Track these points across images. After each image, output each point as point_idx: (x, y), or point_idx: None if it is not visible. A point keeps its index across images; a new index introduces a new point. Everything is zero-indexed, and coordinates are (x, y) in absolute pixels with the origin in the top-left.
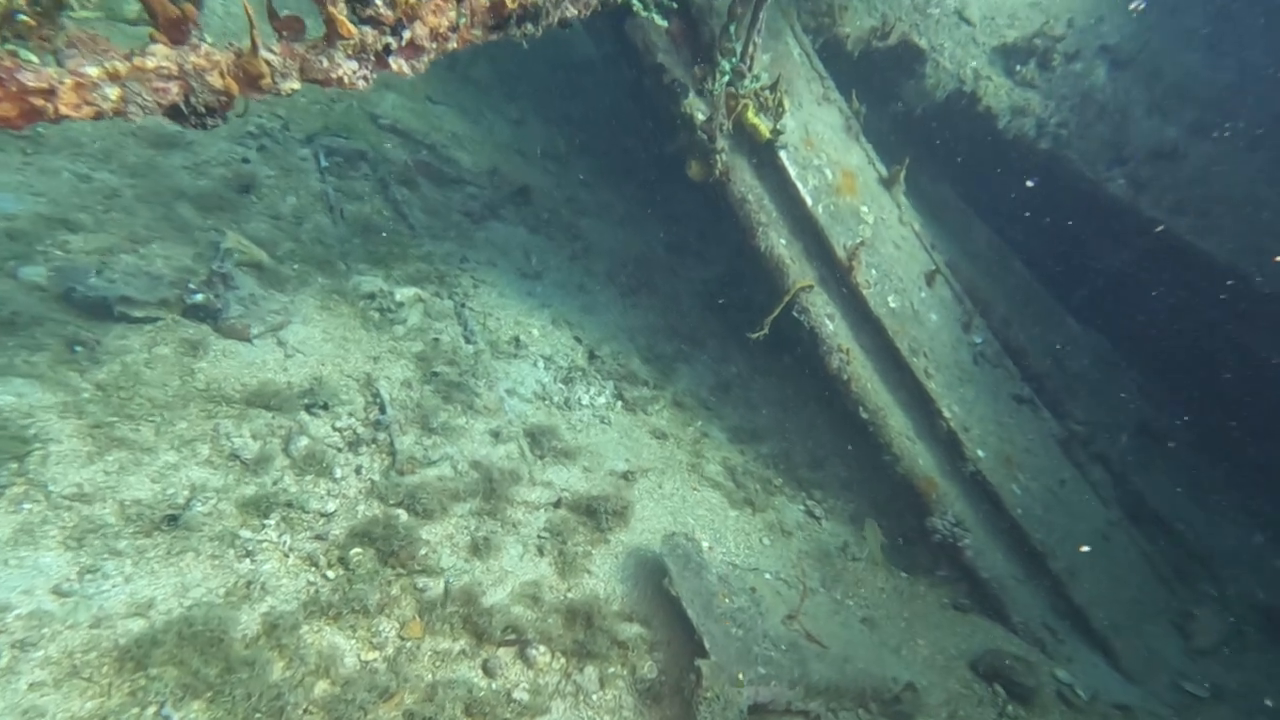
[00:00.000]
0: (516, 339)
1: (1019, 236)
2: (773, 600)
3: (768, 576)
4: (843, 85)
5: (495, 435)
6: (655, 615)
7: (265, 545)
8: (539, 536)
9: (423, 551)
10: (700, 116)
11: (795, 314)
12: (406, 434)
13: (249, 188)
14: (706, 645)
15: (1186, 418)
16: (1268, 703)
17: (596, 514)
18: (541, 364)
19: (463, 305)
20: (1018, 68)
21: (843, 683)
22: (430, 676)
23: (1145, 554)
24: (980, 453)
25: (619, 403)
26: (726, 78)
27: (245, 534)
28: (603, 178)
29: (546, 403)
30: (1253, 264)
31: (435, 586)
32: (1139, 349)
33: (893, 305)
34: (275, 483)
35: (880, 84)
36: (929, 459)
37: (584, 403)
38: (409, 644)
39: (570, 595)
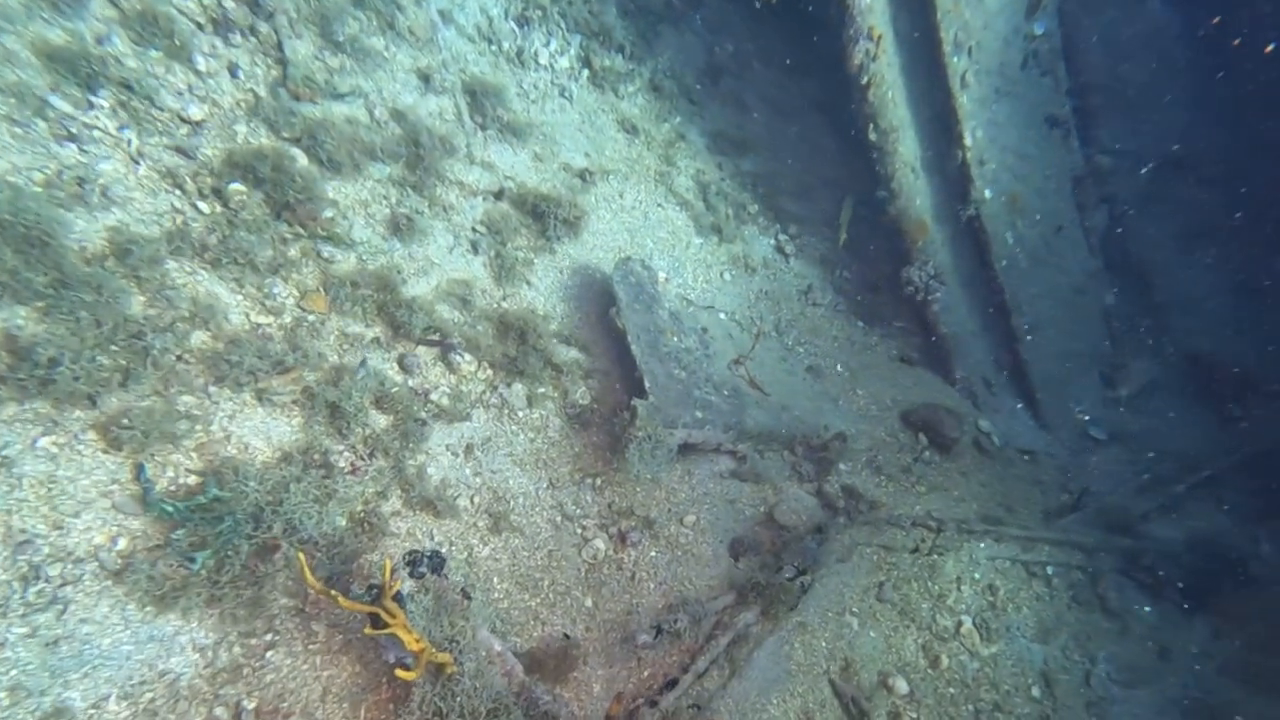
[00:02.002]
0: None
1: None
2: (723, 343)
3: (722, 316)
4: None
5: (425, 80)
6: (596, 342)
7: (99, 135)
8: (474, 230)
9: (329, 214)
10: None
11: None
12: (300, 38)
13: None
14: (647, 385)
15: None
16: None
17: (544, 217)
18: None
19: None
20: None
21: (775, 428)
22: (336, 359)
23: (1105, 308)
24: (988, 193)
25: (585, 71)
26: None
27: (60, 103)
28: None
29: (494, 48)
30: None
31: (345, 260)
32: (1227, 46)
33: None
34: (99, 39)
35: None
36: (927, 198)
37: (541, 60)
38: (312, 318)
39: (505, 305)
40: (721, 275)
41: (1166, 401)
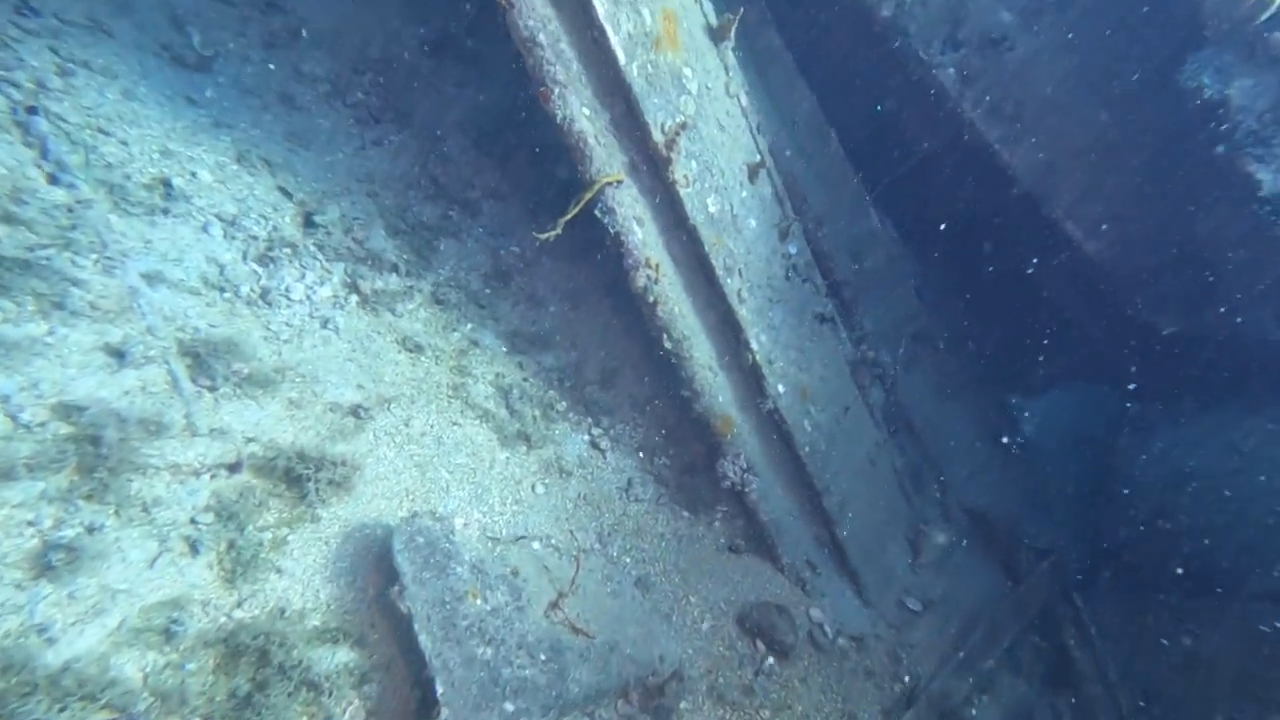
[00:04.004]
0: (166, 182)
1: (839, 105)
2: (538, 582)
3: (536, 546)
4: None
5: (118, 355)
6: (377, 625)
7: None
8: (193, 523)
9: None
10: None
11: (598, 213)
12: None
13: None
14: (439, 690)
15: (963, 322)
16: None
17: (300, 480)
18: (218, 229)
19: (32, 108)
20: None
21: (605, 682)
22: None
23: (897, 472)
24: (780, 388)
25: (353, 297)
26: None
27: None
28: None
29: (228, 295)
30: (1046, 185)
31: None
32: (926, 247)
33: (712, 210)
34: None
35: None
36: (729, 394)
37: (295, 295)
38: None
39: (239, 614)
40: (533, 489)
41: (964, 561)
